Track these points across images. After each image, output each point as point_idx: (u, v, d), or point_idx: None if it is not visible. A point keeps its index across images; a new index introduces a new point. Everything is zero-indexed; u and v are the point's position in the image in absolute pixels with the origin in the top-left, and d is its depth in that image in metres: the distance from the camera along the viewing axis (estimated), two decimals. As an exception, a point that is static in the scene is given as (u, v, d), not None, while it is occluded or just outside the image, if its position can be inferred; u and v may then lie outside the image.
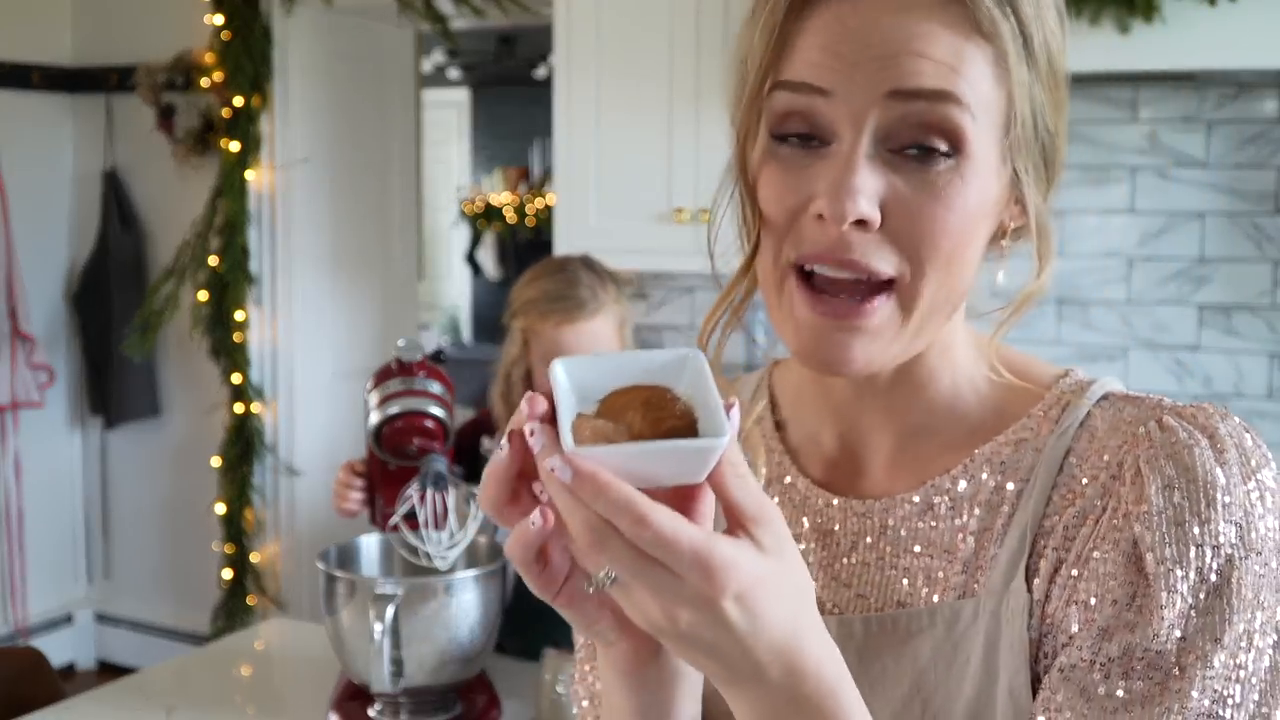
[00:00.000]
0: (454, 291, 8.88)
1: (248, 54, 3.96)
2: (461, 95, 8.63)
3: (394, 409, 1.77)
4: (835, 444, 0.84)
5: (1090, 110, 3.04)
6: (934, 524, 0.80)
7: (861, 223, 0.70)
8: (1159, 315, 3.03)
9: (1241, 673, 0.70)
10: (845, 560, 0.82)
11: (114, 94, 4.34)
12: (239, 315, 4.08)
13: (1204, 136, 2.95)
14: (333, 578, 1.64)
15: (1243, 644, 0.70)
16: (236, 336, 4.09)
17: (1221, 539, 0.71)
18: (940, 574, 0.79)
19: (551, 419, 0.62)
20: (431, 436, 1.77)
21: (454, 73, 8.22)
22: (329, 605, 1.65)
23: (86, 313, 4.42)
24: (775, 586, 0.61)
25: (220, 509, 4.15)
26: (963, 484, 0.79)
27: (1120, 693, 0.71)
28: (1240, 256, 2.95)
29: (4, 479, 4.29)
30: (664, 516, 0.58)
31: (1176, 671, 0.70)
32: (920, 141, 0.71)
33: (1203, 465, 0.72)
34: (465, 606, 1.61)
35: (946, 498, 0.80)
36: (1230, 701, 0.70)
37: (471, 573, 1.64)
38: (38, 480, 4.40)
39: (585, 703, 0.88)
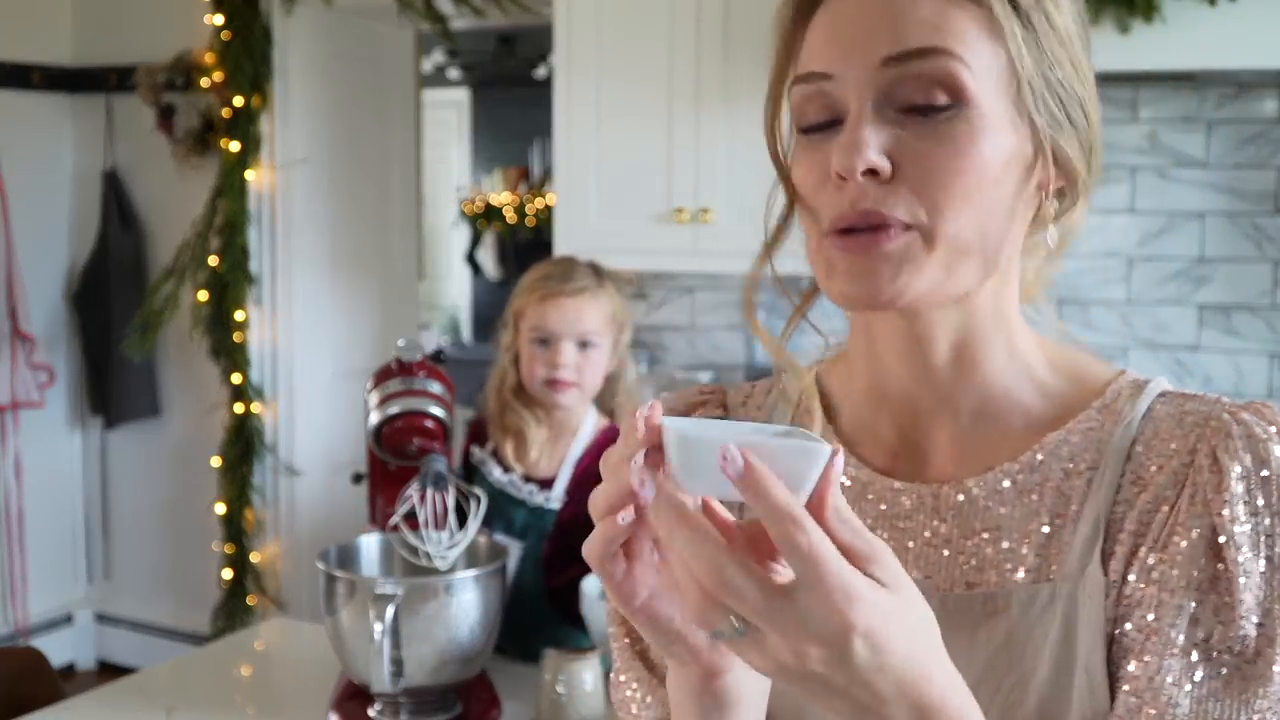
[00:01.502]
0: (454, 291, 8.88)
1: (248, 54, 3.96)
2: (461, 95, 8.62)
3: (394, 409, 1.77)
4: (894, 433, 0.86)
5: (1090, 110, 3.04)
6: (1002, 509, 0.81)
7: (873, 173, 0.74)
8: (1159, 315, 3.03)
9: None
10: (912, 544, 0.84)
11: (114, 94, 4.34)
12: (239, 315, 4.08)
13: (1204, 136, 2.95)
14: (333, 578, 1.64)
15: None
16: (236, 336, 4.09)
17: None
18: (1011, 558, 0.81)
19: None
20: (431, 436, 1.77)
21: (454, 73, 8.22)
22: (329, 605, 1.65)
23: (86, 313, 4.42)
24: (901, 621, 0.62)
25: (220, 509, 4.15)
26: (1032, 471, 0.81)
27: (1204, 675, 0.73)
28: (1240, 256, 2.95)
29: (4, 479, 4.29)
30: (816, 528, 0.60)
31: (1255, 656, 0.73)
32: (922, 96, 0.75)
33: (1277, 458, 0.76)
34: (465, 606, 1.61)
35: (1015, 483, 0.82)
36: None
37: (471, 573, 1.64)
38: (38, 480, 4.40)
39: (635, 708, 0.89)
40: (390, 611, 1.53)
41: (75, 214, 4.49)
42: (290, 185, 4.13)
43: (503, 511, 2.04)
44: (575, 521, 1.98)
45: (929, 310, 0.79)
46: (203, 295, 4.06)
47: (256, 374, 4.16)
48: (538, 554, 2.02)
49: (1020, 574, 0.80)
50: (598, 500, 0.68)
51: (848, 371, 0.89)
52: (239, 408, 4.11)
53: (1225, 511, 0.74)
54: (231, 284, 4.05)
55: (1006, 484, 0.82)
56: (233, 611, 4.14)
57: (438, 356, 1.88)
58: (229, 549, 4.15)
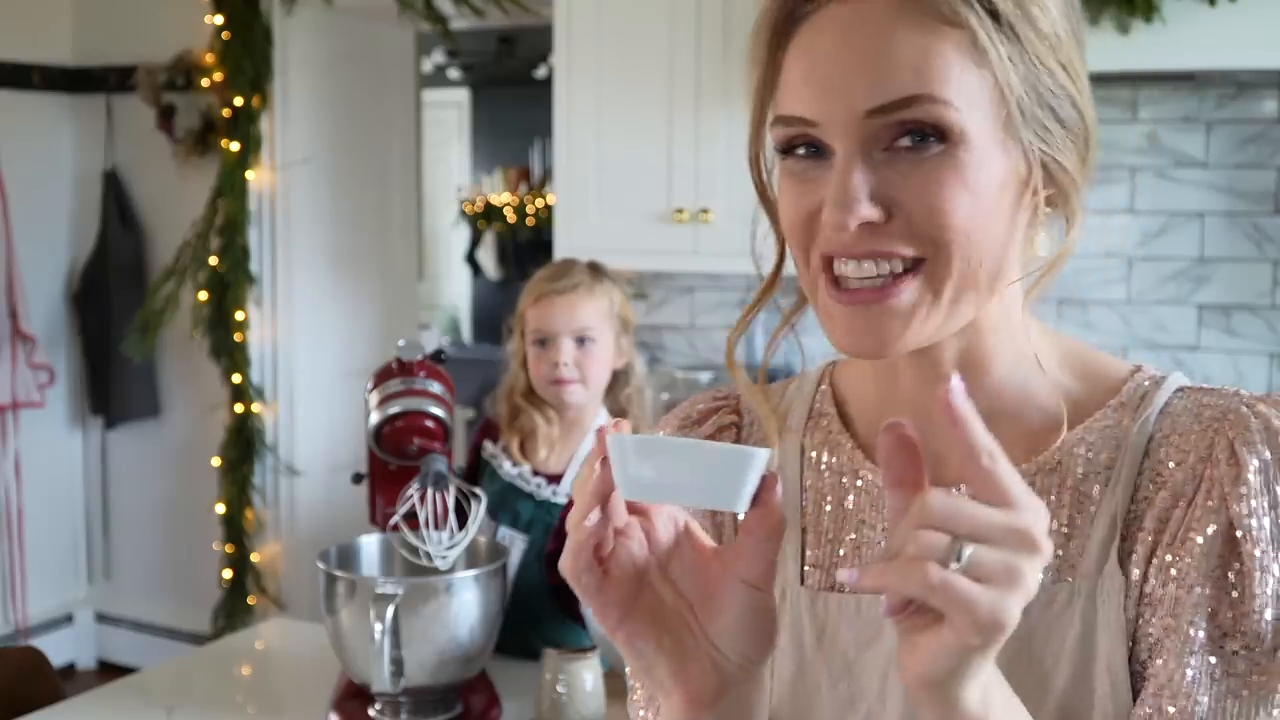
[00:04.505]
0: (454, 291, 8.88)
1: (248, 54, 3.96)
2: (461, 95, 8.62)
3: (394, 409, 1.77)
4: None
5: (1090, 110, 3.04)
6: None
7: (866, 218, 0.73)
8: (1159, 315, 3.03)
9: None
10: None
11: (114, 94, 4.34)
12: (239, 315, 4.08)
13: (1204, 136, 2.95)
14: (333, 578, 1.64)
15: None
16: (237, 336, 4.09)
17: None
18: None
19: None
20: (432, 436, 1.77)
21: (454, 73, 8.22)
22: (329, 605, 1.65)
23: (87, 313, 4.42)
24: None
25: (220, 509, 4.15)
26: (1049, 471, 0.81)
27: (1223, 672, 0.74)
28: (1240, 256, 2.95)
29: (4, 479, 4.29)
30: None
31: (1274, 651, 0.73)
32: (909, 140, 0.73)
33: None
34: (465, 606, 1.61)
35: (1033, 484, 0.80)
36: None
37: (471, 573, 1.64)
38: (38, 480, 4.40)
39: None
40: (390, 611, 1.53)
41: (76, 214, 4.49)
42: (290, 185, 4.13)
43: (510, 504, 2.05)
44: None
45: None
46: (203, 295, 4.06)
47: (257, 374, 4.16)
48: (542, 548, 2.02)
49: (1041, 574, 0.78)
50: (573, 516, 0.70)
51: (860, 375, 0.89)
52: (239, 408, 4.11)
53: (1242, 505, 0.74)
54: (232, 284, 4.05)
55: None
56: (233, 611, 4.14)
57: (438, 356, 1.87)
58: (229, 549, 4.15)
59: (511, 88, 8.17)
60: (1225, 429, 0.77)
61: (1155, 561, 0.77)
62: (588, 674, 1.49)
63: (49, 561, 4.47)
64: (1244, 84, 2.87)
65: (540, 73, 7.62)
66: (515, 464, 2.08)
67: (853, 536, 0.85)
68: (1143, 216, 3.03)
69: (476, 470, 2.15)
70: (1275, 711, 0.73)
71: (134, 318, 4.05)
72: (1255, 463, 0.75)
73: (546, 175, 8.15)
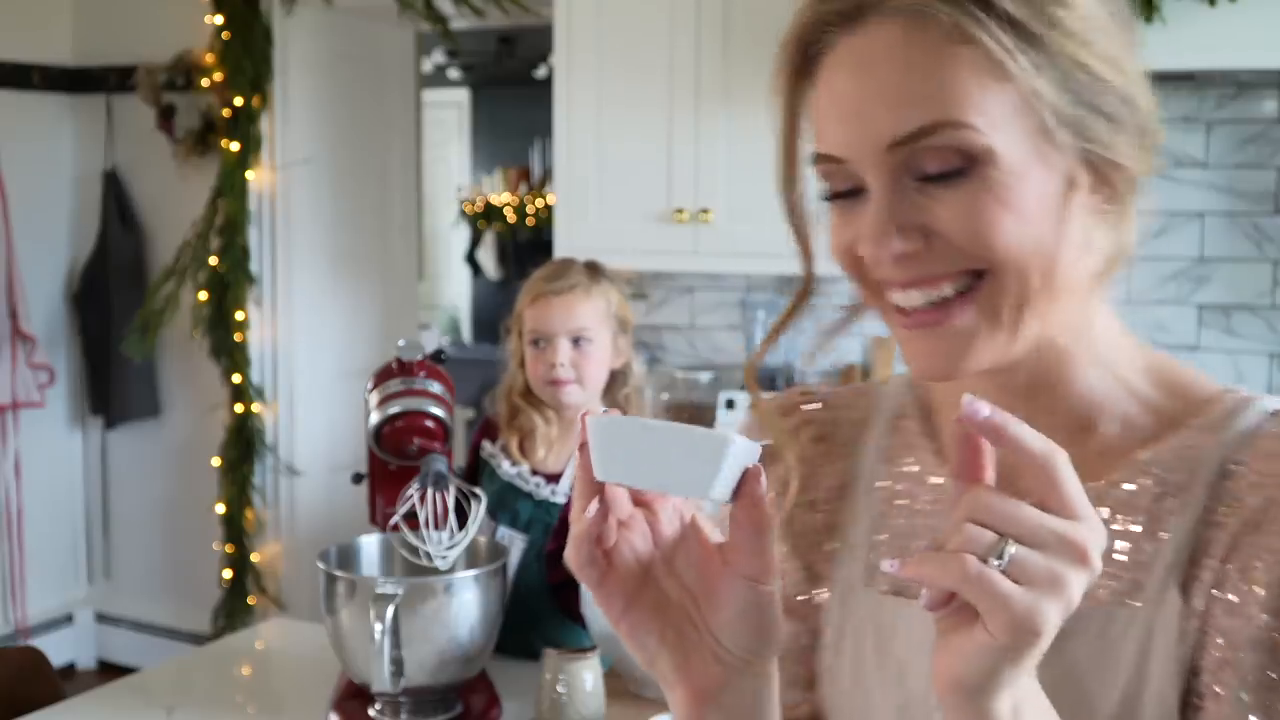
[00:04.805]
0: (454, 291, 8.87)
1: (248, 54, 3.96)
2: (461, 95, 8.62)
3: (394, 409, 1.77)
4: None
5: (1090, 110, 3.04)
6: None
7: (899, 252, 0.73)
8: (1159, 315, 3.03)
9: None
10: None
11: (114, 94, 4.34)
12: (239, 315, 4.08)
13: (1204, 136, 2.95)
14: (333, 578, 1.64)
15: None
16: (237, 336, 4.09)
17: None
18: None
19: None
20: (432, 436, 1.77)
21: (454, 73, 8.22)
22: (329, 605, 1.65)
23: (87, 313, 4.42)
24: None
25: (220, 509, 4.15)
26: (1123, 489, 0.78)
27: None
28: (1240, 256, 2.95)
29: (4, 479, 4.29)
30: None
31: None
32: (938, 167, 0.72)
33: None
34: (465, 606, 1.61)
35: (1102, 501, 0.78)
36: None
37: (471, 573, 1.64)
38: (38, 480, 4.40)
39: None
40: (390, 611, 1.53)
41: (76, 214, 4.49)
42: (290, 185, 4.14)
43: (509, 504, 2.06)
44: None
45: None
46: (203, 295, 4.06)
47: (257, 374, 4.16)
48: (541, 548, 2.02)
49: (1100, 594, 0.77)
50: (575, 508, 0.71)
51: (949, 383, 0.85)
52: (239, 408, 4.12)
53: None
54: (232, 284, 4.05)
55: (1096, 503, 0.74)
56: (233, 611, 4.14)
57: (438, 356, 1.87)
58: (229, 549, 4.15)
59: (511, 88, 8.17)
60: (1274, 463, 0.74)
61: (1219, 591, 0.73)
62: (588, 674, 1.49)
63: (49, 561, 4.47)
64: (1244, 84, 2.87)
65: (540, 73, 7.62)
66: (514, 463, 2.08)
67: (921, 542, 0.83)
68: (1142, 217, 3.02)
69: (476, 470, 2.16)
70: None
71: (134, 318, 4.05)
72: None
73: (547, 175, 8.15)
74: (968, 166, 0.71)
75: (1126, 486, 0.78)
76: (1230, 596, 0.73)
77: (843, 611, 0.85)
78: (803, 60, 0.77)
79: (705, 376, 3.28)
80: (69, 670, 4.47)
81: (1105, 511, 0.78)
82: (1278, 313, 2.94)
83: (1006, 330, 0.74)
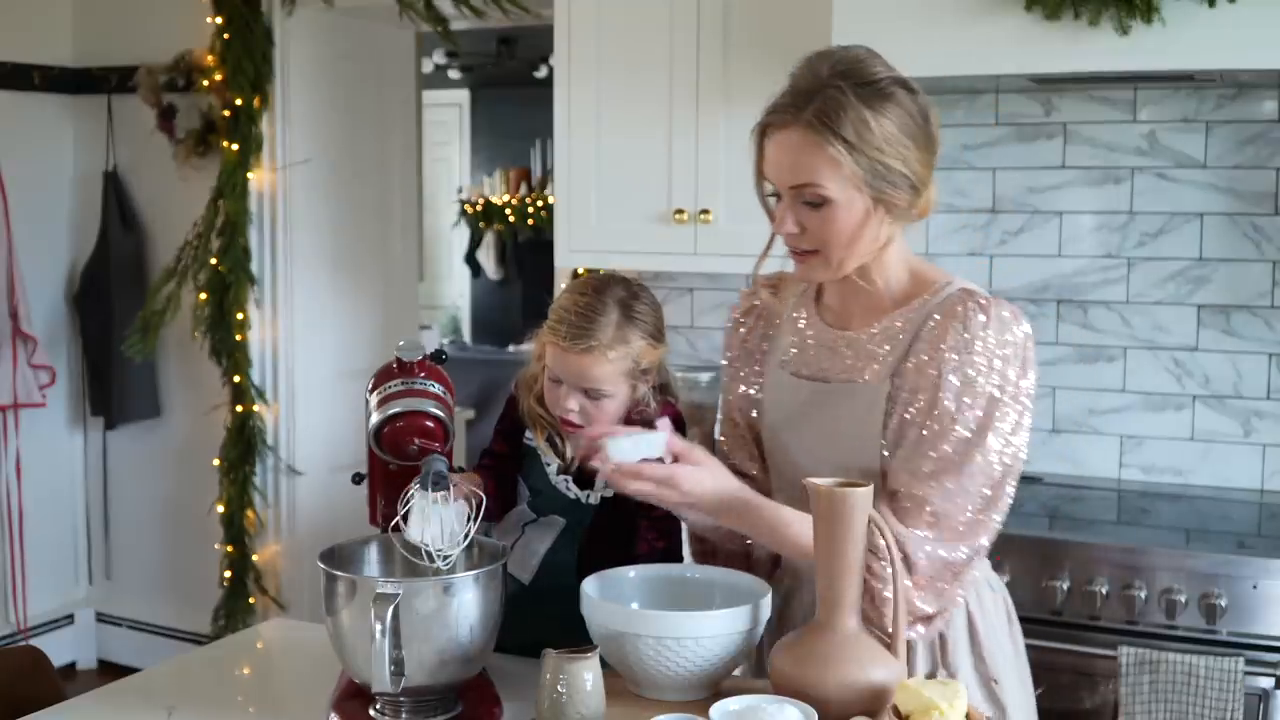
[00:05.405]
0: (454, 291, 8.88)
1: (248, 54, 3.96)
2: (462, 95, 8.63)
3: (394, 409, 1.77)
4: (839, 305, 1.76)
5: (1090, 111, 3.04)
6: (869, 346, 1.69)
7: (793, 234, 1.64)
8: (1158, 315, 3.03)
9: (1001, 455, 1.60)
10: (827, 355, 1.74)
11: (115, 94, 4.34)
12: (240, 315, 4.09)
13: (1203, 137, 2.95)
14: (333, 577, 1.64)
15: (1001, 441, 1.59)
16: (237, 337, 4.10)
17: (983, 374, 1.58)
18: (864, 370, 1.68)
19: None
20: (432, 436, 1.77)
21: (454, 73, 8.22)
22: (329, 605, 1.65)
23: (87, 313, 4.43)
24: (699, 476, 1.63)
25: (220, 509, 4.16)
26: (886, 328, 1.68)
27: (934, 457, 1.59)
28: (1239, 257, 2.95)
29: (5, 479, 4.29)
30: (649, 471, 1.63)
31: (966, 449, 1.58)
32: (808, 199, 1.61)
33: (974, 325, 1.58)
34: (465, 606, 1.61)
35: (877, 333, 1.69)
36: (995, 469, 1.60)
37: (471, 573, 1.64)
38: (39, 480, 4.41)
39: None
40: (390, 611, 1.53)
41: (76, 214, 4.49)
42: (291, 186, 4.14)
43: (551, 501, 1.99)
44: (616, 514, 1.95)
45: None
46: (203, 296, 4.07)
47: (257, 374, 4.17)
48: (573, 545, 1.98)
49: (870, 377, 1.67)
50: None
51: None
52: (240, 408, 4.12)
53: (944, 355, 1.59)
54: (232, 284, 4.06)
55: (874, 332, 1.69)
56: (233, 611, 4.15)
57: (438, 357, 1.87)
58: (229, 549, 4.16)
59: (511, 88, 8.17)
60: (951, 315, 1.60)
61: (904, 381, 1.63)
62: (588, 674, 1.50)
63: (49, 561, 4.48)
64: (1244, 84, 2.87)
65: (540, 73, 7.62)
66: (548, 461, 2.00)
67: (802, 352, 1.78)
68: (1142, 217, 3.03)
69: (516, 443, 2.07)
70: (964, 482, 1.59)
71: (134, 318, 4.05)
72: (955, 329, 1.59)
73: (546, 176, 8.14)
74: (822, 202, 1.59)
75: (887, 327, 1.68)
76: (908, 386, 1.62)
77: (778, 386, 1.80)
78: (761, 135, 1.64)
79: (705, 377, 3.28)
80: (69, 670, 4.48)
81: (876, 338, 1.68)
82: (1277, 313, 2.94)
83: (833, 269, 1.65)
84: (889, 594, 1.55)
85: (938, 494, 1.58)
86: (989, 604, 1.75)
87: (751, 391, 1.84)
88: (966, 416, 1.57)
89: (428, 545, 1.66)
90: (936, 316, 1.61)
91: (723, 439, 1.90)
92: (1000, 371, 1.57)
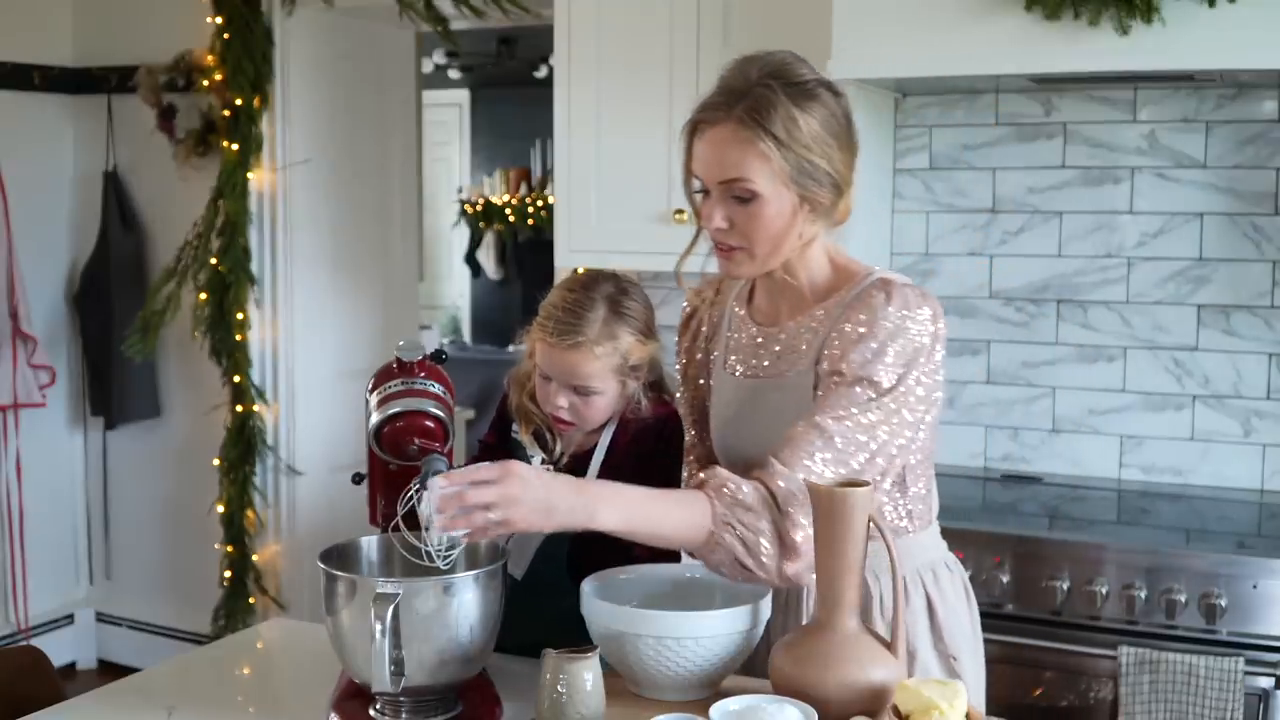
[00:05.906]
0: (454, 291, 8.88)
1: (248, 55, 3.96)
2: (462, 95, 8.62)
3: (394, 409, 1.77)
4: (767, 304, 1.83)
5: (1090, 111, 3.04)
6: (795, 338, 1.75)
7: (720, 229, 1.68)
8: (1158, 315, 3.03)
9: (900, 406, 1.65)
10: (759, 352, 1.81)
11: (115, 94, 4.34)
12: (240, 316, 4.09)
13: (1203, 137, 2.96)
14: (333, 577, 1.64)
15: (902, 397, 1.64)
16: (237, 337, 4.10)
17: (885, 351, 1.64)
18: (794, 364, 1.74)
19: None
20: (432, 436, 1.77)
21: (454, 73, 8.22)
22: (329, 605, 1.65)
23: (87, 313, 4.43)
24: (527, 483, 1.51)
25: (220, 509, 4.16)
26: (810, 321, 1.74)
27: (828, 409, 1.65)
28: (1239, 257, 2.95)
29: (5, 479, 4.29)
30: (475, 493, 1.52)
31: (861, 412, 1.63)
32: (737, 195, 1.65)
33: (881, 306, 1.65)
34: (465, 606, 1.61)
35: (803, 326, 1.75)
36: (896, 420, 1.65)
37: (471, 573, 1.64)
38: (39, 480, 4.41)
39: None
40: (390, 611, 1.53)
41: (76, 214, 4.49)
42: (291, 186, 4.14)
43: None
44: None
45: None
46: (203, 296, 4.07)
47: (257, 374, 4.17)
48: (563, 539, 1.98)
49: (797, 369, 1.73)
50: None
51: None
52: (240, 408, 4.12)
53: (847, 331, 1.66)
54: (232, 284, 4.06)
55: (799, 326, 1.75)
56: (233, 611, 4.15)
57: (438, 357, 1.87)
58: (229, 549, 4.16)
59: (511, 88, 8.17)
60: (859, 299, 1.68)
61: (825, 350, 1.69)
62: (588, 674, 1.50)
63: (49, 561, 4.48)
64: (1244, 84, 2.87)
65: (540, 73, 7.62)
66: (531, 454, 2.00)
67: (738, 351, 1.86)
68: (1142, 217, 3.03)
69: (506, 437, 2.08)
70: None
71: (134, 318, 4.05)
72: (859, 318, 1.66)
73: (546, 176, 8.14)
74: (750, 197, 1.64)
75: (810, 321, 1.74)
76: (824, 352, 1.68)
77: (720, 387, 1.87)
78: (691, 133, 1.68)
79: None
80: (69, 670, 4.48)
81: (803, 330, 1.74)
82: (1277, 313, 2.94)
83: (758, 265, 1.71)
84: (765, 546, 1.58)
85: (821, 435, 1.61)
86: (945, 583, 1.81)
87: (704, 396, 1.96)
88: (864, 390, 1.62)
89: (428, 545, 1.66)
90: (852, 304, 1.68)
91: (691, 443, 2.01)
92: (899, 350, 1.63)
